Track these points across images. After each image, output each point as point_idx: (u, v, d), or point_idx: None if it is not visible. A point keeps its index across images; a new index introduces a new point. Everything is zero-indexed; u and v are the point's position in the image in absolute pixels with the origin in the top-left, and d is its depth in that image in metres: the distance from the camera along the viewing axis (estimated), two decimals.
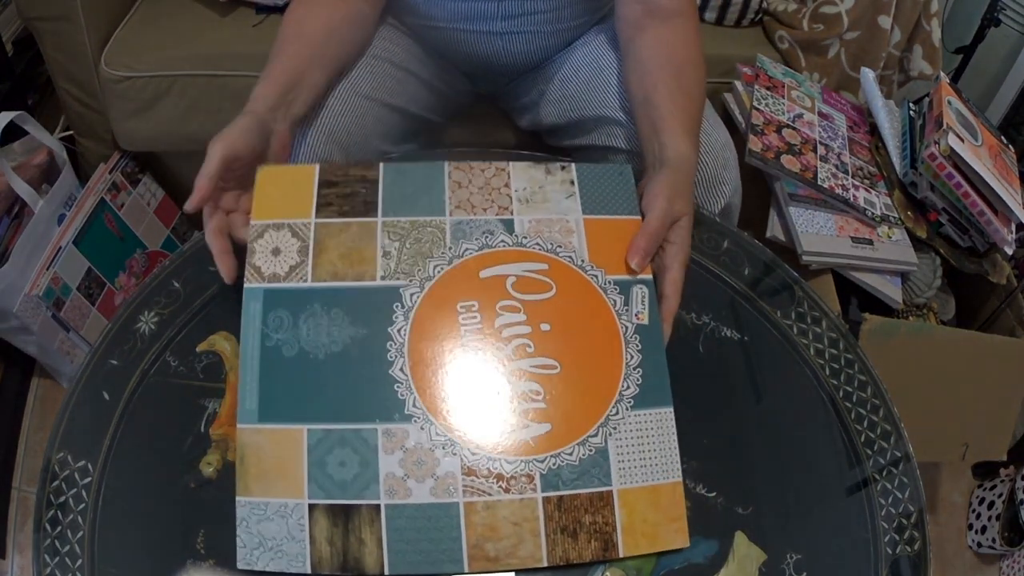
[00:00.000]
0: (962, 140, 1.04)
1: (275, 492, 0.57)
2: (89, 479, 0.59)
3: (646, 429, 0.60)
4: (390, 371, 0.60)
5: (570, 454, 0.59)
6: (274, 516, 0.56)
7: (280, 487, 0.57)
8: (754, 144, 1.07)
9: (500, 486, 0.57)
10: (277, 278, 0.63)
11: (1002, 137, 1.19)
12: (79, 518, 0.58)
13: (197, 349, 0.66)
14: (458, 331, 0.62)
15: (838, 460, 0.64)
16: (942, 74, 1.19)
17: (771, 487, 0.62)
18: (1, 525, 1.18)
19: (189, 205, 0.63)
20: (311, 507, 0.56)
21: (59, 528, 0.57)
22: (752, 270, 0.75)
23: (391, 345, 0.61)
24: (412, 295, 0.63)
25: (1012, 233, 1.08)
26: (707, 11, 1.32)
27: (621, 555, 0.57)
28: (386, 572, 0.55)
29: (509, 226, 0.66)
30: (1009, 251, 1.10)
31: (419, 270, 0.64)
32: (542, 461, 0.58)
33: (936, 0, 1.26)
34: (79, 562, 0.56)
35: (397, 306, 0.62)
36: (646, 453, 0.59)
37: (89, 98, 1.23)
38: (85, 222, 1.22)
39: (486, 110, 1.15)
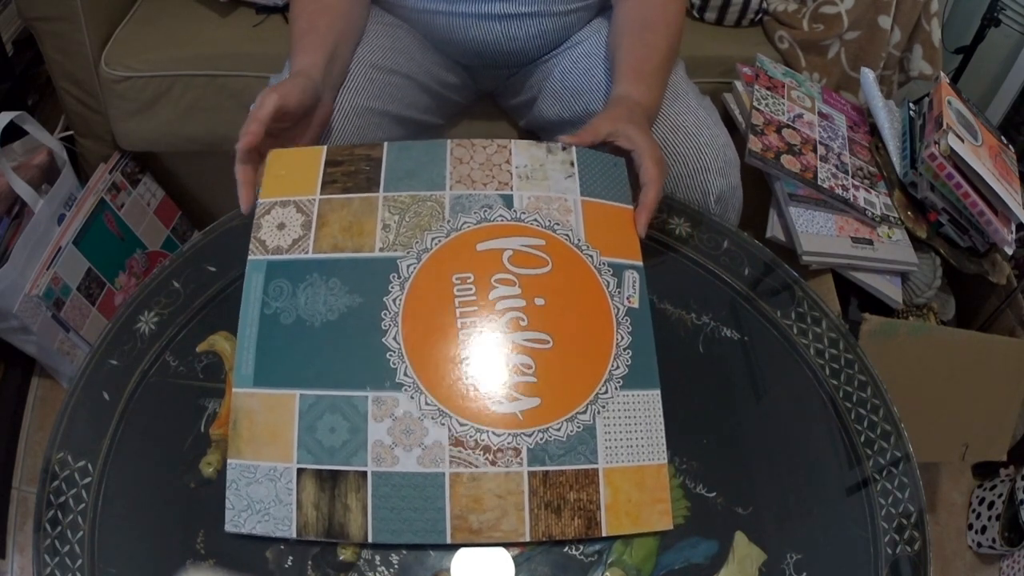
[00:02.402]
0: (962, 140, 1.04)
1: (265, 456, 0.58)
2: (89, 479, 0.59)
3: (634, 410, 0.61)
4: (383, 340, 0.61)
5: (558, 430, 0.59)
6: (263, 479, 0.57)
7: (270, 451, 0.58)
8: (754, 144, 1.07)
9: (486, 458, 0.58)
10: (280, 250, 0.64)
11: (1002, 137, 1.19)
12: (79, 518, 0.58)
13: (197, 349, 0.66)
14: (452, 302, 0.62)
15: (838, 460, 0.64)
16: (942, 74, 1.19)
17: (771, 487, 0.62)
18: (1, 525, 1.18)
19: (240, 145, 0.67)
20: (299, 471, 0.57)
21: (59, 528, 0.57)
22: (752, 270, 0.75)
23: (385, 314, 0.62)
24: (408, 266, 0.64)
25: (1012, 233, 1.08)
26: (707, 11, 1.32)
27: (604, 534, 0.57)
28: (370, 539, 0.56)
29: (508, 201, 0.67)
30: (1009, 251, 1.10)
31: (417, 242, 0.65)
32: (530, 435, 0.59)
33: (936, 0, 1.26)
34: (79, 562, 0.56)
35: (393, 276, 0.63)
36: (633, 433, 0.60)
37: (89, 98, 1.23)
38: (85, 222, 1.22)
39: (486, 110, 1.15)
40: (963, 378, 1.10)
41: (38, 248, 1.17)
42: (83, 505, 0.58)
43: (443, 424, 0.58)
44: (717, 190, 0.85)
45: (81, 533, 0.57)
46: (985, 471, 1.39)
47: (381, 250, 0.64)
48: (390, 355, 0.60)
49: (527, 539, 0.56)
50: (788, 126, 1.13)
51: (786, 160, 1.08)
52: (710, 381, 0.67)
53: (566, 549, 0.57)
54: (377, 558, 0.57)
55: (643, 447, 0.60)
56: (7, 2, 1.41)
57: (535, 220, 0.67)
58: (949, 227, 1.12)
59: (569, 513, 0.57)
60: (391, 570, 0.56)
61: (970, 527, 1.33)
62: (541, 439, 0.59)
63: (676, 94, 0.89)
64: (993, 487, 1.33)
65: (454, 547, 0.57)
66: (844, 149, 1.16)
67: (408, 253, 0.64)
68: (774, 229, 1.09)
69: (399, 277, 0.63)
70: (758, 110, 1.13)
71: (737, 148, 0.91)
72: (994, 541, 1.27)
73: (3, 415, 1.28)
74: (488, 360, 0.61)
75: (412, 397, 0.59)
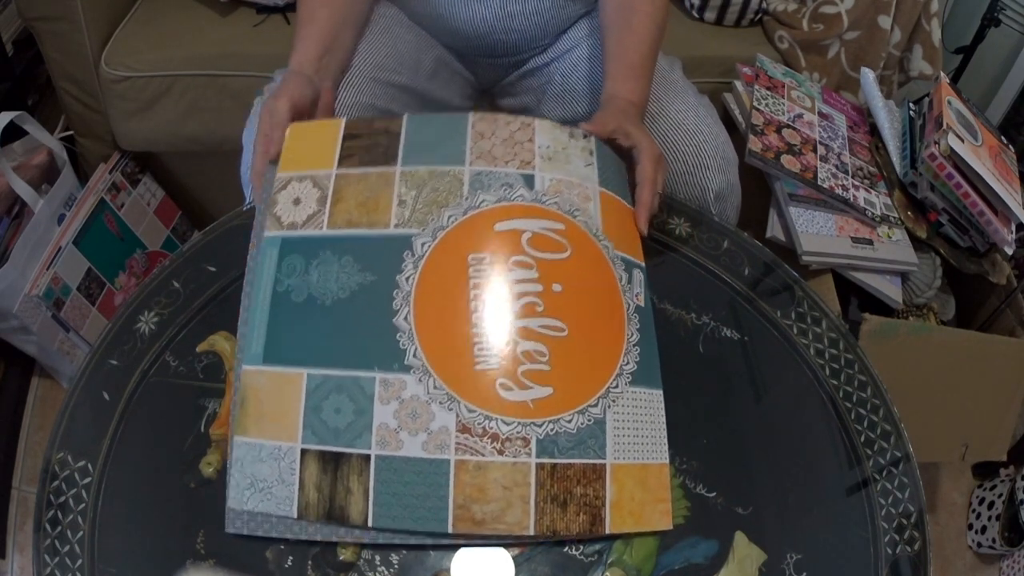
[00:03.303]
0: (962, 140, 1.04)
1: (271, 434, 0.57)
2: (89, 479, 0.59)
3: (641, 407, 0.60)
4: (394, 320, 0.59)
5: (569, 422, 0.57)
6: (267, 458, 0.56)
7: (276, 430, 0.57)
8: (754, 144, 1.07)
9: (494, 447, 0.56)
10: (295, 226, 0.63)
11: (1002, 137, 1.19)
12: (79, 518, 0.58)
13: (197, 349, 0.66)
14: (467, 283, 0.60)
15: (838, 460, 0.64)
16: (942, 74, 1.19)
17: (771, 487, 0.62)
18: (1, 525, 1.18)
19: (272, 153, 0.68)
20: (303, 452, 0.56)
21: (59, 528, 0.57)
22: (752, 270, 0.75)
23: (397, 293, 0.59)
24: (423, 244, 0.61)
25: (1012, 233, 1.08)
26: (707, 11, 1.32)
27: (608, 531, 0.56)
28: (369, 523, 0.54)
29: (529, 181, 0.65)
30: (1009, 251, 1.10)
31: (433, 219, 0.62)
32: (540, 426, 0.57)
33: (936, 0, 1.26)
34: (79, 562, 0.56)
35: (407, 254, 0.61)
36: (639, 431, 0.59)
37: (89, 98, 1.23)
38: (85, 222, 1.22)
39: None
40: (963, 378, 1.10)
41: (38, 248, 1.17)
42: (83, 505, 0.58)
43: (451, 409, 0.56)
44: (716, 187, 0.85)
45: (81, 533, 0.57)
46: (985, 471, 1.39)
47: (396, 226, 0.62)
48: (400, 336, 0.58)
49: (531, 533, 0.55)
50: (788, 126, 1.13)
51: (786, 160, 1.08)
52: (710, 381, 0.67)
53: (566, 549, 0.57)
54: (377, 558, 0.57)
55: (647, 445, 0.59)
56: (7, 2, 1.41)
57: (555, 203, 0.64)
58: (949, 227, 1.12)
59: (575, 508, 0.56)
60: (391, 570, 0.56)
61: (970, 527, 1.33)
62: (551, 430, 0.57)
63: (675, 92, 0.89)
64: (993, 487, 1.33)
65: (454, 547, 0.56)
66: (844, 149, 1.16)
67: (423, 230, 0.62)
68: (774, 229, 1.09)
69: (413, 255, 0.61)
70: (758, 110, 1.13)
71: (737, 148, 0.91)
72: (994, 541, 1.27)
73: (3, 415, 1.28)
74: (501, 345, 0.58)
75: (420, 380, 0.57)
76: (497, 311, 0.59)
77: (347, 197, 0.63)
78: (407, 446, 0.56)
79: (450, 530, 0.54)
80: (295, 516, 0.55)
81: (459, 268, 0.60)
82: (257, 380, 0.58)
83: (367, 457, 0.56)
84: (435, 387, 0.57)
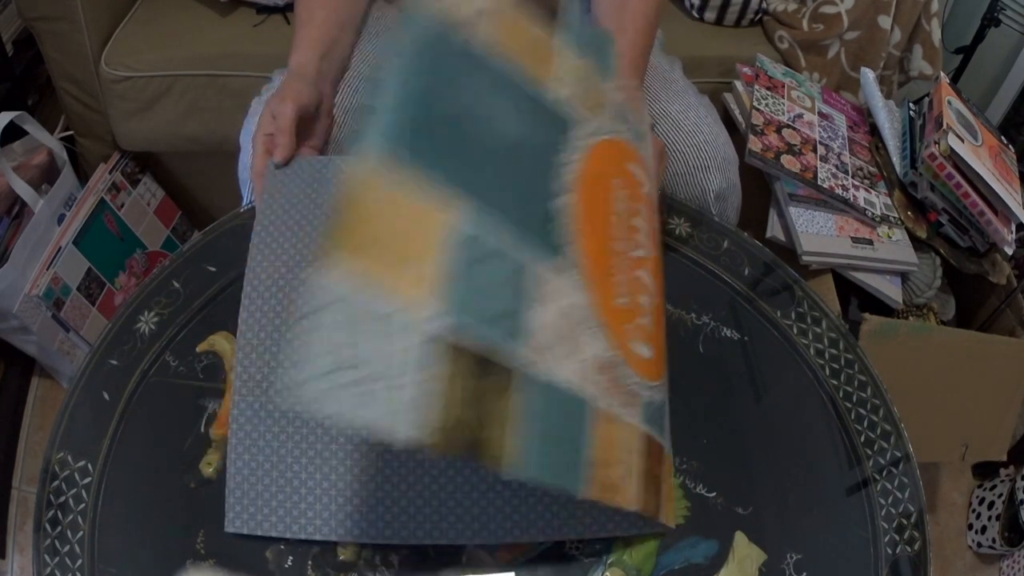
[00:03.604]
0: (962, 140, 1.04)
1: (396, 279, 0.34)
2: (89, 479, 0.59)
3: (667, 400, 0.58)
4: (553, 202, 0.43)
5: (660, 392, 0.48)
6: (374, 322, 0.33)
7: (403, 277, 0.34)
8: (754, 144, 1.07)
9: (623, 400, 0.43)
10: (457, 13, 0.43)
11: (1002, 137, 1.19)
12: (79, 518, 0.58)
13: (197, 349, 0.66)
14: (612, 205, 0.49)
15: (838, 460, 0.64)
16: (942, 74, 1.19)
17: (771, 487, 0.62)
18: (1, 525, 1.18)
19: (278, 158, 0.67)
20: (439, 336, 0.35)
21: (59, 528, 0.57)
22: (752, 270, 0.75)
23: (560, 174, 0.45)
24: (583, 139, 0.49)
25: (1012, 233, 1.08)
26: (707, 11, 1.32)
27: (660, 519, 0.52)
28: (505, 467, 0.37)
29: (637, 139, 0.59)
30: (1009, 251, 1.10)
31: (587, 119, 0.50)
32: (646, 388, 0.46)
33: (936, 0, 1.26)
34: (79, 562, 0.56)
35: (566, 139, 0.48)
36: (669, 423, 0.56)
37: (89, 98, 1.23)
38: (85, 222, 1.22)
39: None
40: (963, 378, 1.10)
41: (38, 248, 1.17)
42: (83, 505, 0.58)
43: (596, 339, 0.42)
44: (716, 187, 0.85)
45: (81, 533, 0.57)
46: (985, 471, 1.39)
47: (558, 100, 0.48)
48: (557, 225, 0.43)
49: (638, 509, 0.45)
50: (788, 126, 1.13)
51: (786, 160, 1.08)
52: (710, 381, 0.67)
53: (566, 549, 0.57)
54: (377, 558, 0.56)
55: (667, 439, 0.57)
56: (7, 2, 1.41)
57: (644, 175, 0.57)
58: (949, 227, 1.12)
59: (653, 489, 0.46)
60: (391, 570, 0.56)
61: (970, 527, 1.33)
62: (649, 398, 0.46)
63: (676, 92, 0.89)
64: (993, 487, 1.33)
65: (453, 547, 0.56)
66: (844, 149, 1.16)
67: (580, 124, 0.49)
68: (774, 229, 1.09)
69: (574, 142, 0.48)
70: (758, 110, 1.13)
71: (737, 148, 0.91)
72: (994, 541, 1.27)
73: (3, 415, 1.28)
74: (630, 284, 0.47)
75: (575, 289, 0.42)
76: (625, 247, 0.48)
77: (513, 32, 0.46)
78: (559, 371, 0.39)
79: (580, 493, 0.41)
80: (419, 440, 0.34)
81: (607, 186, 0.49)
82: (379, 183, 0.35)
83: (516, 373, 0.37)
84: (587, 305, 0.42)
